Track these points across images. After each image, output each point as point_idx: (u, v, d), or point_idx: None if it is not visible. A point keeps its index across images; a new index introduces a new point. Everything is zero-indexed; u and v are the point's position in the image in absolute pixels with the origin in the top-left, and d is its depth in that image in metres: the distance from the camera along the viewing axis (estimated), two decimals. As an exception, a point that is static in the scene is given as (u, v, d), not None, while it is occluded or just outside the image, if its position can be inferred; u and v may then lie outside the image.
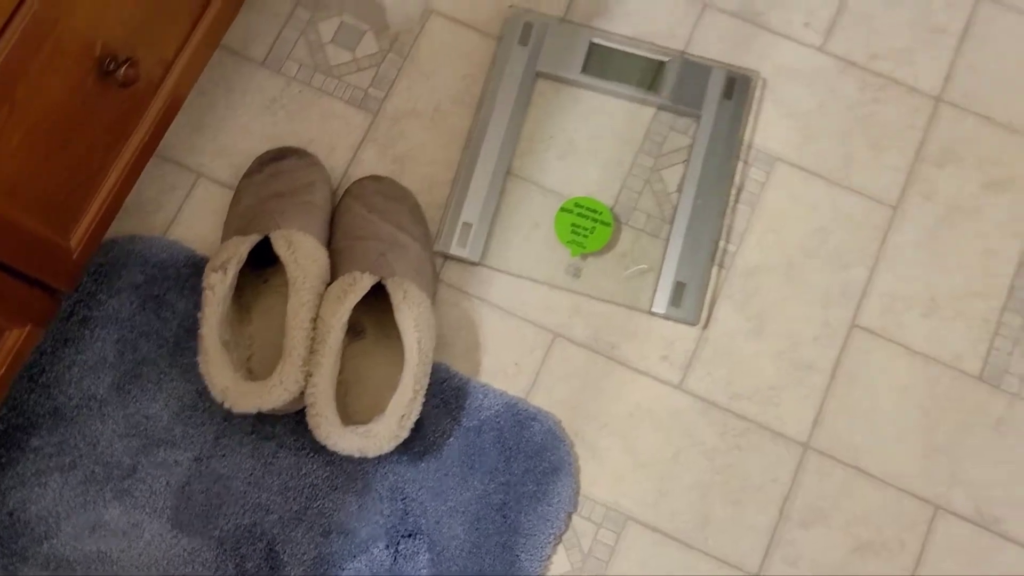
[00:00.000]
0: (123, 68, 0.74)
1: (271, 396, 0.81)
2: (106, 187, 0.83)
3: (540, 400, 0.93)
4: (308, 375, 0.83)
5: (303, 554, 0.88)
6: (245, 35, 1.00)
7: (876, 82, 1.01)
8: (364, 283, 0.84)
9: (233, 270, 0.84)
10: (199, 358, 0.84)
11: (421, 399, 0.84)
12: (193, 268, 0.93)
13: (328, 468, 0.89)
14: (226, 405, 0.82)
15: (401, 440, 0.83)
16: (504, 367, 0.93)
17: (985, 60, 1.02)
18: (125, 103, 0.80)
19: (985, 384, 0.94)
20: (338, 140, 0.98)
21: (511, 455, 0.90)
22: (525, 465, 0.90)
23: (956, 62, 1.02)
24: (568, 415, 0.92)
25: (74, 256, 0.81)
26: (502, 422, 0.90)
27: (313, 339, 0.84)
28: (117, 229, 0.94)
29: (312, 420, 0.82)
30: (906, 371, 0.94)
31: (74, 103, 0.73)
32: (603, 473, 0.91)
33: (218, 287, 0.84)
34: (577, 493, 0.90)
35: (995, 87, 1.01)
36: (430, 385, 0.90)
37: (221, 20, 0.89)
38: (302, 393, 0.83)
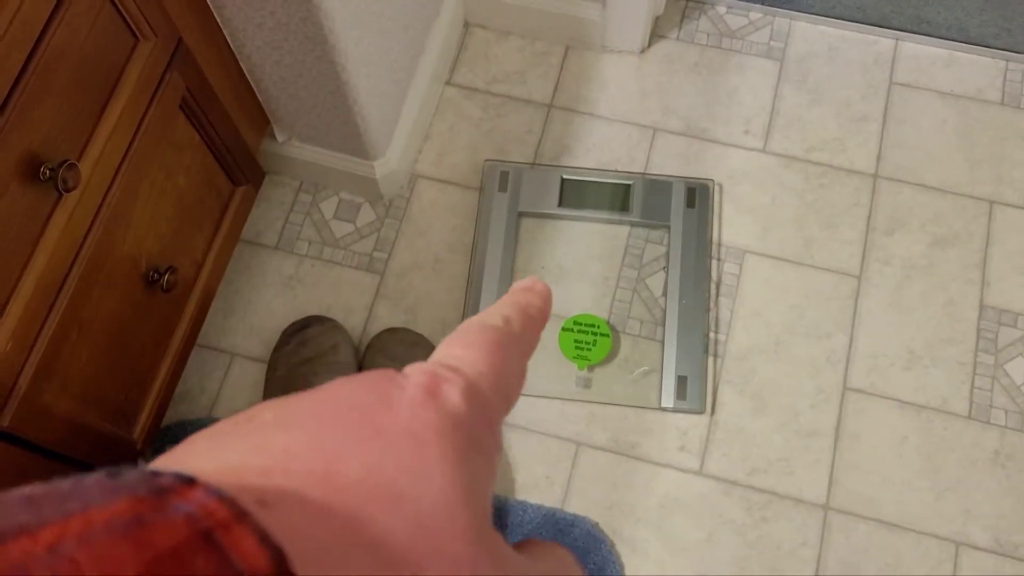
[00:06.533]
0: (166, 276, 0.85)
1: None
2: (159, 381, 0.92)
3: (575, 506, 1.00)
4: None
5: None
6: (258, 226, 1.12)
7: (817, 171, 1.14)
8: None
9: (280, 435, 0.93)
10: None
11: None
12: (240, 440, 1.02)
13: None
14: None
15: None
16: (536, 481, 1.01)
17: (907, 136, 1.15)
18: (168, 304, 0.91)
19: (975, 422, 1.02)
20: (353, 302, 1.09)
21: (558, 562, 0.96)
22: (573, 569, 0.96)
23: (883, 142, 1.15)
24: (604, 515, 1.00)
25: (138, 447, 0.90)
26: (544, 533, 0.97)
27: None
28: (170, 416, 1.03)
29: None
30: (901, 422, 1.02)
31: (128, 313, 0.83)
32: (646, 564, 0.98)
33: (269, 453, 0.92)
34: (625, 588, 0.97)
35: (921, 157, 1.14)
36: (473, 510, 0.97)
37: (238, 218, 1.01)
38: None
